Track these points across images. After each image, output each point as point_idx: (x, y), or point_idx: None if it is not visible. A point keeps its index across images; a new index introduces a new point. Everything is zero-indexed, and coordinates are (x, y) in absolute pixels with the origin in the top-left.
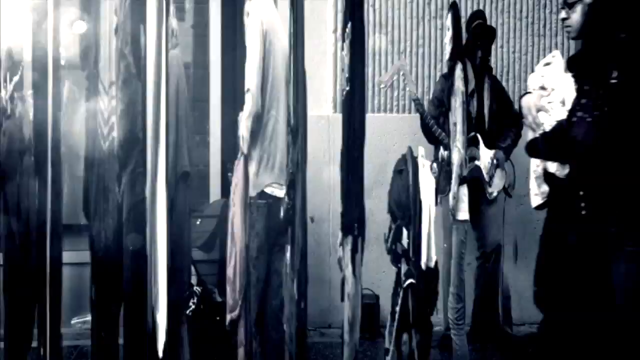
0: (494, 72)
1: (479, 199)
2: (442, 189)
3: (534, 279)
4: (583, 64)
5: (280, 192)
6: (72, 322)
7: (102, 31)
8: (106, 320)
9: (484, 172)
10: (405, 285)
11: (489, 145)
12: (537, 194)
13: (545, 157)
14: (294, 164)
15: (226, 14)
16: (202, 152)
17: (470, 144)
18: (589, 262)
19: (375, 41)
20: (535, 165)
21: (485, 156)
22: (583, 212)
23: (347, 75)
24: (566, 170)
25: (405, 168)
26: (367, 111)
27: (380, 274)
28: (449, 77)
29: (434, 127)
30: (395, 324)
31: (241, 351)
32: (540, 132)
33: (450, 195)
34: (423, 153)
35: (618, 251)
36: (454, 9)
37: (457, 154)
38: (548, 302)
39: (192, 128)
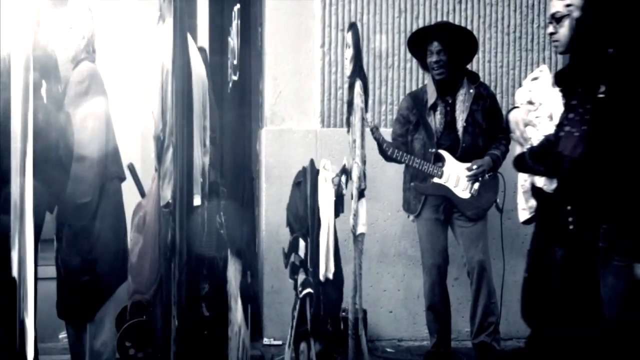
0: None
1: (456, 219)
2: (412, 208)
3: (521, 294)
4: (571, 78)
5: None
6: (60, 336)
7: None
8: None
9: (452, 186)
10: (302, 295)
11: (464, 159)
12: (524, 208)
13: (532, 171)
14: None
15: (213, 28)
16: None
17: (437, 160)
18: (577, 277)
19: (362, 56)
20: (523, 180)
21: (456, 170)
22: (571, 227)
23: (235, 62)
24: (554, 185)
25: (304, 180)
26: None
27: (367, 288)
28: (350, 95)
29: (389, 152)
30: (292, 333)
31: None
32: (528, 146)
33: (351, 212)
34: (327, 166)
35: (606, 266)
36: (354, 28)
37: (356, 169)
38: (536, 316)
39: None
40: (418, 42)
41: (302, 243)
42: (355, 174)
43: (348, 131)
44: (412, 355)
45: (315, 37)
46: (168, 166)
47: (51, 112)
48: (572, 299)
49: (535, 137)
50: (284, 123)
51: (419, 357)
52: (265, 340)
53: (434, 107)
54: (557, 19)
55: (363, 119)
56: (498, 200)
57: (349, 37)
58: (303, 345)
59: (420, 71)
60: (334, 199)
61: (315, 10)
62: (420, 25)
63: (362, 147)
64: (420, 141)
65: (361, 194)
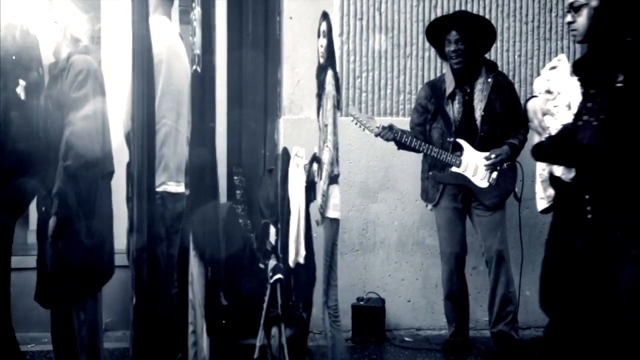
0: None
1: (474, 208)
2: (431, 197)
3: (539, 283)
4: (589, 67)
5: (173, 188)
6: None
7: None
8: None
9: (471, 175)
10: (272, 280)
11: (482, 148)
12: (542, 197)
13: (551, 160)
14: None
15: (231, 17)
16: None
17: (455, 149)
18: (595, 266)
19: (381, 44)
20: (541, 169)
21: (475, 159)
22: (589, 216)
23: (198, 52)
24: (572, 174)
25: (275, 167)
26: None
27: (386, 278)
28: (321, 81)
29: (408, 142)
30: (262, 318)
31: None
32: (546, 135)
33: (319, 193)
34: (300, 153)
35: (624, 255)
36: (327, 18)
37: (327, 154)
38: (554, 306)
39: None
40: (436, 31)
41: (272, 229)
42: (326, 159)
43: (318, 117)
44: (431, 344)
45: (334, 26)
46: (158, 151)
47: (34, 105)
48: (590, 288)
49: (554, 126)
50: (302, 112)
51: (437, 346)
52: None
53: (452, 96)
54: (575, 8)
55: (334, 107)
56: (516, 190)
57: (323, 26)
58: (274, 330)
59: (439, 60)
60: (304, 185)
61: (333, 0)
62: (439, 14)
63: (334, 133)
64: (439, 130)
65: (334, 180)
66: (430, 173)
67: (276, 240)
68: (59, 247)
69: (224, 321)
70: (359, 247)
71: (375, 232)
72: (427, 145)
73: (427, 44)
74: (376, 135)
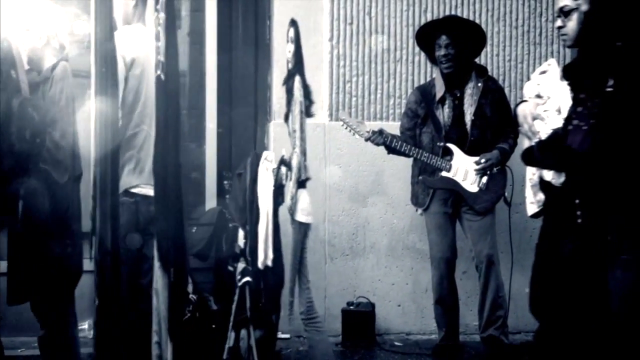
0: None
1: (465, 212)
2: (421, 202)
3: (529, 287)
4: (579, 72)
5: (147, 191)
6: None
7: None
8: None
9: (461, 180)
10: (240, 283)
11: (472, 152)
12: (532, 202)
13: (541, 165)
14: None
15: (221, 21)
16: (198, 159)
17: (445, 154)
18: (585, 270)
19: (371, 49)
20: (531, 174)
21: (465, 163)
22: (579, 221)
23: (162, 59)
24: (562, 179)
25: (245, 171)
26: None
27: (376, 282)
28: (290, 88)
29: (398, 147)
30: (231, 320)
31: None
32: (536, 140)
33: (288, 196)
34: (270, 157)
35: (614, 259)
36: (295, 25)
37: (296, 158)
38: (544, 310)
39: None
40: (426, 36)
41: (241, 232)
42: (295, 163)
43: (286, 122)
44: (421, 349)
45: (324, 30)
46: (136, 154)
47: (8, 109)
48: (580, 292)
49: (544, 130)
50: None
51: (427, 350)
52: None
53: (442, 101)
54: (565, 13)
55: (302, 112)
56: (506, 194)
57: (291, 32)
58: (243, 332)
59: (429, 65)
60: (273, 188)
61: (323, 4)
62: (429, 18)
63: (302, 139)
64: (429, 135)
65: (302, 185)
66: (420, 177)
67: (245, 243)
68: (27, 238)
69: (213, 325)
70: (349, 252)
71: (366, 236)
72: (417, 149)
73: (417, 49)
74: (366, 140)
